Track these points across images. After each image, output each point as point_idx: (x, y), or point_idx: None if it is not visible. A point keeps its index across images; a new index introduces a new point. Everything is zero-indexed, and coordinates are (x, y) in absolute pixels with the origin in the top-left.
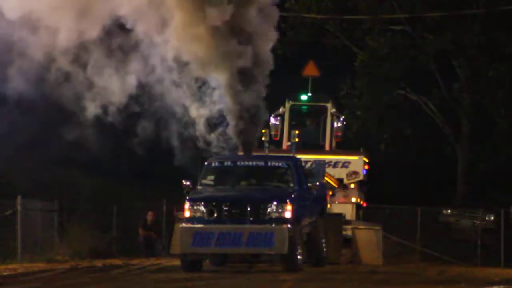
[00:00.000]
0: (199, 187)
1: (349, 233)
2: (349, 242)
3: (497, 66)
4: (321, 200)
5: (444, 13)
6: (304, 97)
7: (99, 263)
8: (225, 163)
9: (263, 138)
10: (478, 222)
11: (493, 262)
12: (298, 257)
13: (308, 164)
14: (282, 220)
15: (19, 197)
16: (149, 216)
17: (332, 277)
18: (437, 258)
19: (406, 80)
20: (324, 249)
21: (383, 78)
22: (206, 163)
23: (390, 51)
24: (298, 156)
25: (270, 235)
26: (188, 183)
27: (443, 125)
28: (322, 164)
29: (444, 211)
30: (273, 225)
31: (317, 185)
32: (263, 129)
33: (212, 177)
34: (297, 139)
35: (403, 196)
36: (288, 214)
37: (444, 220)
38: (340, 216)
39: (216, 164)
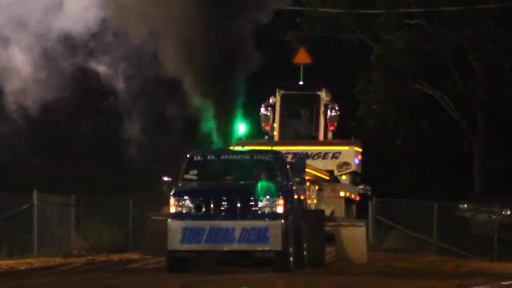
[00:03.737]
0: (181, 182)
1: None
2: (333, 240)
3: None
4: (301, 197)
5: (460, 7)
6: (296, 85)
7: (115, 257)
8: (208, 157)
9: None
10: (494, 216)
11: (510, 257)
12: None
13: (288, 158)
14: (275, 215)
15: (35, 191)
16: (165, 209)
17: (349, 271)
18: (453, 252)
19: (422, 75)
20: (305, 252)
21: (399, 72)
22: (187, 157)
23: (406, 45)
24: (281, 147)
25: (264, 230)
26: (168, 178)
27: (459, 120)
28: (302, 158)
29: (460, 205)
30: (267, 220)
31: (302, 180)
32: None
33: (194, 172)
34: (275, 133)
35: (419, 190)
36: (280, 209)
37: (460, 215)
38: (321, 212)
39: (199, 158)
